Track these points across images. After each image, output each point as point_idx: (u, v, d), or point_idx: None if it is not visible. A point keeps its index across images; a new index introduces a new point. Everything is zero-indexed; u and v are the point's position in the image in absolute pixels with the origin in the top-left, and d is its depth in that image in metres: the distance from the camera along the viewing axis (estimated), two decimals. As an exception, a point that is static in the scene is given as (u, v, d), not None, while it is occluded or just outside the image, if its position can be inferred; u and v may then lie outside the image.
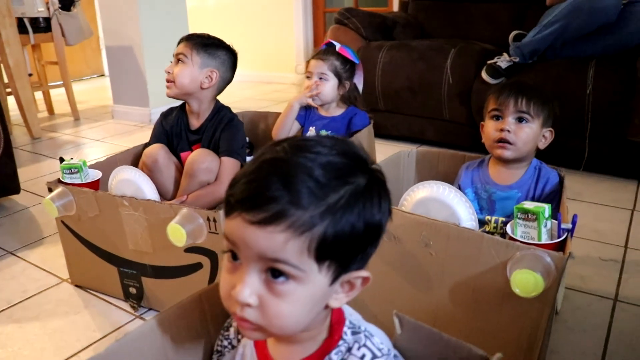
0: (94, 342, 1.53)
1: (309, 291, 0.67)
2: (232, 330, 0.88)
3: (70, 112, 4.27)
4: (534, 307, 1.16)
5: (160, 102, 3.95)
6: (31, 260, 2.01)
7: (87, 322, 1.63)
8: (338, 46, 2.14)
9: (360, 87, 2.26)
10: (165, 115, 2.05)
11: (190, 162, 1.81)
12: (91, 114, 4.43)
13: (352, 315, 0.80)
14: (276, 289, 0.66)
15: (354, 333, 0.77)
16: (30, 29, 3.79)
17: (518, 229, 1.27)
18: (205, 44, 1.89)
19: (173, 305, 0.89)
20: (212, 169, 1.82)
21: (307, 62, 2.16)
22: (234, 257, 0.69)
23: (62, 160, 1.77)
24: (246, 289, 0.66)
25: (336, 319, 0.78)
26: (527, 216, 1.25)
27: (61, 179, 1.73)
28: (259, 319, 0.68)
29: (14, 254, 2.06)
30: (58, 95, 4.57)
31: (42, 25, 3.88)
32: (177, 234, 1.36)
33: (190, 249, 1.45)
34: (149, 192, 1.61)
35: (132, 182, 1.61)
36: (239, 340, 0.86)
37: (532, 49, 2.67)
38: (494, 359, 0.75)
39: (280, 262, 0.65)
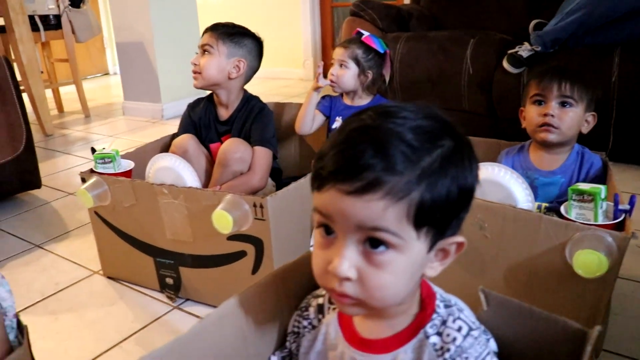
0: (135, 333, 1.50)
1: (409, 260, 0.66)
2: (311, 310, 0.86)
3: (80, 110, 4.24)
4: (593, 288, 1.14)
5: (172, 97, 3.93)
6: (60, 253, 1.98)
7: (124, 314, 1.60)
8: (364, 35, 2.12)
9: (387, 76, 2.23)
10: (192, 107, 2.02)
11: (223, 152, 1.79)
12: (101, 111, 4.40)
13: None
14: (376, 260, 0.65)
15: (446, 306, 0.76)
16: (41, 27, 3.76)
17: (572, 211, 1.25)
18: (231, 33, 1.87)
19: (251, 286, 0.86)
20: (245, 158, 1.80)
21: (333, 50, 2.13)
22: (328, 231, 0.67)
23: (93, 150, 1.75)
24: (345, 263, 0.65)
25: (426, 293, 0.76)
26: (583, 197, 1.23)
27: (94, 169, 1.70)
28: (359, 292, 0.66)
29: (41, 247, 2.03)
30: (66, 93, 4.54)
31: (52, 23, 3.86)
32: (223, 220, 1.33)
33: (233, 237, 1.43)
34: (190, 179, 1.58)
35: (171, 169, 1.58)
36: (319, 320, 0.84)
37: (554, 38, 2.65)
38: (593, 332, 0.73)
39: (380, 231, 0.63)
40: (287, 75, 5.27)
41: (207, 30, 1.89)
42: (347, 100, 2.16)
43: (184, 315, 1.57)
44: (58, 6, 3.83)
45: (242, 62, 1.88)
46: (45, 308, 1.65)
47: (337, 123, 2.13)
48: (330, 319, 0.82)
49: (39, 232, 2.16)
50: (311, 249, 1.52)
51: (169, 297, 1.64)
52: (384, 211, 0.62)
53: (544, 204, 1.53)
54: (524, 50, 2.73)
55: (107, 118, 4.14)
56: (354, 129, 0.65)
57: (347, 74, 2.02)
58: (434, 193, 0.63)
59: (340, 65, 2.02)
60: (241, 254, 1.45)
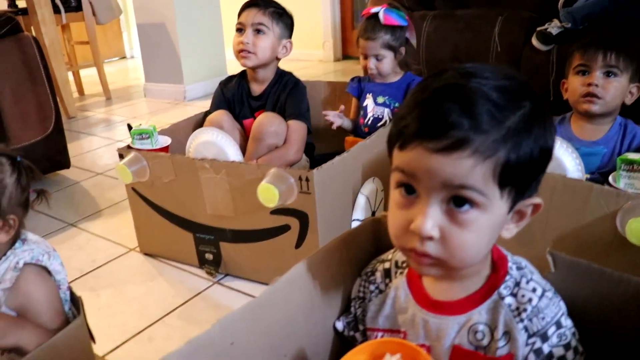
0: (177, 308, 1.51)
1: (491, 219, 0.66)
2: (378, 274, 0.86)
3: (100, 92, 4.24)
4: (643, 257, 1.14)
5: (195, 79, 3.92)
6: (94, 231, 1.99)
7: (164, 289, 1.61)
8: (382, 18, 2.06)
9: (414, 44, 2.20)
10: (224, 84, 2.02)
11: (257, 126, 1.79)
12: (122, 93, 4.40)
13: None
14: (459, 219, 0.65)
15: (518, 268, 0.76)
16: (62, 9, 3.75)
17: (621, 180, 1.24)
18: (281, 14, 1.88)
19: (319, 250, 0.86)
20: (279, 132, 1.80)
21: (357, 40, 2.09)
22: (409, 190, 0.67)
23: (130, 127, 1.75)
24: (429, 221, 0.65)
25: (497, 255, 0.76)
26: (632, 167, 1.23)
27: (131, 145, 1.70)
28: (440, 251, 0.66)
29: (75, 226, 2.04)
30: (85, 76, 4.54)
31: (72, 5, 3.84)
32: (269, 194, 1.33)
33: (277, 211, 1.43)
34: (233, 153, 1.58)
35: (214, 143, 1.58)
36: (386, 285, 0.84)
37: (585, 14, 2.61)
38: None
39: (467, 189, 0.63)
40: (307, 57, 5.24)
41: (252, 6, 1.86)
42: (377, 79, 2.14)
43: (225, 290, 1.58)
44: (79, -12, 3.82)
45: (290, 43, 1.91)
46: (85, 284, 1.65)
47: (368, 100, 2.11)
48: (399, 282, 0.82)
49: (71, 211, 2.17)
50: (353, 223, 1.52)
51: (208, 273, 1.64)
52: (471, 169, 0.62)
53: (586, 175, 1.52)
54: (554, 27, 2.70)
55: (128, 100, 4.14)
56: (438, 88, 0.65)
57: (385, 63, 1.99)
58: (519, 152, 0.63)
59: (377, 58, 1.98)
60: (285, 228, 1.44)
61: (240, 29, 1.87)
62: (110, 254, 1.82)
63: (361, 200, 1.57)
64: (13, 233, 1.01)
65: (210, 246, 1.60)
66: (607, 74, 1.47)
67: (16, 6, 3.67)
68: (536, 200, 0.70)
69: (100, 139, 3.20)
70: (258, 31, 1.84)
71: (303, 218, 1.40)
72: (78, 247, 1.88)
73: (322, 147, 2.14)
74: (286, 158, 1.77)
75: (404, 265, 0.84)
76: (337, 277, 0.89)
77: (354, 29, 5.15)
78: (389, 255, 0.87)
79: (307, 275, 0.84)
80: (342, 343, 0.91)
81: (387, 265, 0.86)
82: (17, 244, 1.03)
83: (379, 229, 0.95)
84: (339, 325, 0.90)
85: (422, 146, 0.63)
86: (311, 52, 5.22)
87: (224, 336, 0.70)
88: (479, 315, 0.74)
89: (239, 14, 1.90)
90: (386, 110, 2.06)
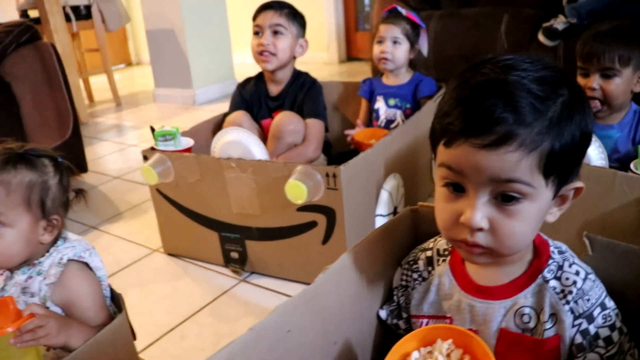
0: (206, 306, 1.53)
1: (537, 207, 0.69)
2: (420, 263, 0.88)
3: (110, 99, 4.27)
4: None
5: (204, 83, 3.95)
6: (116, 233, 2.01)
7: (191, 288, 1.63)
8: (404, 11, 2.12)
9: (424, 51, 2.24)
10: (242, 86, 2.04)
11: (276, 125, 1.82)
12: (131, 99, 4.42)
13: None
14: (507, 210, 0.68)
15: (560, 252, 0.78)
16: (72, 17, 3.79)
17: (643, 167, 1.26)
18: (296, 14, 1.92)
19: (363, 240, 0.88)
20: (298, 130, 1.83)
21: (376, 28, 2.12)
22: (456, 187, 0.70)
23: (152, 129, 1.77)
24: (478, 214, 0.67)
25: (539, 240, 0.79)
26: (653, 154, 1.25)
27: (154, 147, 1.72)
28: (490, 241, 0.69)
29: (96, 228, 2.07)
30: (94, 83, 4.57)
31: (83, 13, 3.88)
32: (297, 190, 1.35)
33: (303, 208, 1.45)
34: (258, 152, 1.60)
35: (239, 143, 1.60)
36: (429, 272, 0.86)
37: (590, 9, 2.64)
38: None
39: (514, 182, 0.66)
40: (311, 59, 5.25)
41: (267, 8, 1.89)
42: (387, 80, 2.17)
43: (252, 287, 1.60)
44: (88, -4, 3.86)
45: (306, 42, 1.95)
46: (112, 285, 1.67)
47: (379, 103, 2.14)
48: (442, 270, 0.84)
49: (92, 214, 2.19)
50: (377, 218, 1.54)
51: (234, 271, 1.66)
52: (517, 163, 0.64)
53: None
54: (559, 23, 2.72)
55: (138, 106, 4.17)
56: (479, 84, 0.67)
57: (401, 50, 2.02)
58: (562, 141, 0.66)
59: (394, 42, 2.02)
60: (312, 225, 1.47)
61: (257, 32, 1.90)
62: (134, 255, 1.84)
63: (384, 195, 1.60)
64: (56, 233, 1.03)
65: (236, 245, 1.62)
66: (606, 76, 1.48)
67: (28, 16, 3.71)
68: (578, 184, 0.73)
69: (113, 143, 3.23)
70: (276, 32, 1.87)
71: (330, 214, 1.43)
72: (101, 249, 1.89)
73: (335, 147, 2.17)
74: (305, 155, 1.80)
75: (446, 253, 0.86)
76: (380, 267, 0.91)
77: (358, 31, 5.18)
78: (429, 244, 0.90)
79: (354, 264, 0.86)
80: (385, 331, 0.94)
81: (429, 253, 0.88)
82: (59, 242, 1.05)
83: (417, 219, 0.98)
84: (382, 314, 0.92)
85: (468, 143, 0.66)
86: (316, 54, 5.24)
87: (281, 324, 0.73)
88: (525, 299, 0.76)
89: (255, 18, 1.93)
90: (398, 112, 2.09)
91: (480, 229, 0.68)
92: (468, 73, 0.70)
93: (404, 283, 0.90)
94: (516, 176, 0.65)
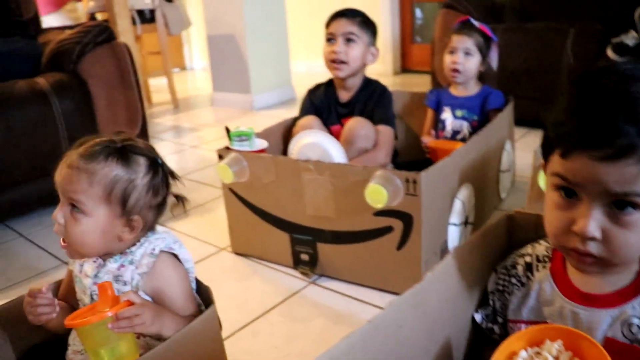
0: (276, 306, 1.55)
1: None
2: (519, 268, 0.88)
3: (168, 101, 4.36)
4: None
5: (262, 89, 4.00)
6: (182, 231, 2.05)
7: (260, 287, 1.65)
8: (477, 23, 2.12)
9: (494, 65, 2.24)
10: (312, 91, 2.07)
11: (349, 130, 1.83)
12: (188, 102, 4.51)
13: None
14: (622, 220, 0.67)
15: None
16: (138, 20, 3.88)
17: None
18: (368, 22, 1.94)
19: (465, 243, 0.89)
20: (370, 135, 1.84)
21: (450, 38, 2.13)
22: (569, 193, 0.70)
23: (227, 129, 1.80)
24: (592, 223, 0.67)
25: None
26: None
27: (229, 147, 1.75)
28: (602, 251, 0.69)
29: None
30: (152, 85, 4.66)
31: (147, 17, 3.98)
32: (378, 195, 1.36)
33: (380, 212, 1.46)
34: (337, 155, 1.62)
35: (318, 145, 1.62)
36: (528, 278, 0.86)
37: (664, 26, 2.60)
38: None
39: (631, 195, 0.65)
40: (368, 71, 5.27)
41: (340, 16, 1.92)
42: (455, 91, 2.16)
43: (321, 290, 1.61)
44: (153, 0, 3.94)
45: (377, 50, 1.96)
46: (184, 280, 1.70)
47: (446, 113, 2.14)
48: (542, 276, 0.84)
49: (158, 211, 2.23)
50: (450, 227, 1.54)
51: (303, 273, 1.68)
52: (637, 176, 0.64)
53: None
54: (630, 39, 2.69)
55: (195, 109, 4.24)
56: (598, 94, 0.67)
57: (473, 62, 2.03)
58: None
59: (466, 54, 2.02)
60: (387, 230, 1.47)
61: (330, 39, 1.92)
62: (201, 253, 1.87)
63: (457, 204, 1.59)
64: (134, 235, 1.02)
65: (307, 247, 1.64)
66: None
67: (95, 19, 3.81)
68: None
69: (173, 144, 3.29)
70: (349, 40, 1.89)
71: (407, 220, 1.43)
72: (170, 245, 1.94)
73: (400, 156, 2.18)
74: (376, 161, 1.81)
75: (545, 259, 0.86)
76: (476, 270, 0.92)
77: (413, 43, 5.19)
78: (527, 249, 0.90)
79: (457, 266, 0.86)
80: (476, 335, 0.94)
81: (527, 259, 0.88)
82: (148, 233, 1.07)
83: (512, 225, 0.98)
84: (478, 317, 0.92)
85: (586, 154, 0.66)
86: (371, 66, 5.26)
87: (394, 318, 0.74)
88: (633, 309, 0.75)
89: (328, 25, 1.95)
90: (465, 124, 2.09)
91: (593, 239, 0.68)
92: (585, 82, 0.70)
93: (500, 288, 0.90)
94: (633, 189, 0.65)
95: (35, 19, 2.79)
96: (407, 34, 5.18)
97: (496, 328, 0.91)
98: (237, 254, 1.85)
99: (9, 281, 1.79)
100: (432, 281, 0.82)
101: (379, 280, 1.55)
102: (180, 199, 1.12)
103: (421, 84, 4.35)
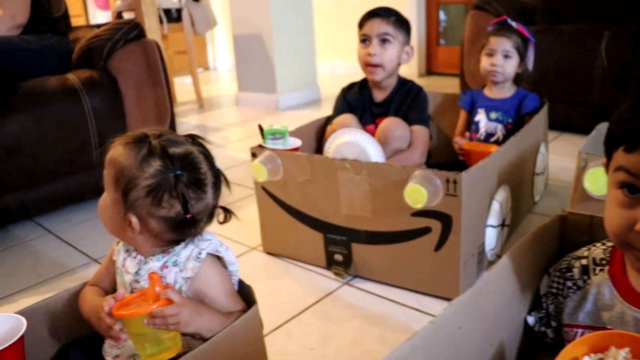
0: (310, 306, 1.53)
1: None
2: (575, 271, 0.85)
3: (192, 100, 4.36)
4: None
5: (288, 89, 3.99)
6: (212, 230, 2.03)
7: (293, 288, 1.63)
8: (515, 24, 2.09)
9: (530, 66, 2.20)
10: (347, 90, 2.05)
11: (383, 130, 1.81)
12: (213, 102, 4.50)
13: None
14: None
15: None
16: (164, 19, 3.89)
17: None
18: (402, 21, 1.91)
19: (520, 244, 0.87)
20: (404, 136, 1.82)
21: (487, 39, 2.09)
22: (632, 190, 0.69)
23: (261, 127, 1.78)
24: None
25: None
26: None
27: (262, 145, 1.73)
28: None
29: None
30: (177, 85, 4.67)
31: (174, 16, 3.98)
32: (418, 194, 1.34)
33: (418, 213, 1.43)
34: (375, 154, 1.60)
35: (355, 144, 1.60)
36: (585, 281, 0.84)
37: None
38: None
39: None
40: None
41: (374, 16, 1.89)
42: (489, 93, 2.13)
43: (356, 291, 1.59)
44: (180, 0, 3.95)
45: (411, 49, 1.93)
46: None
47: (480, 115, 2.11)
48: (601, 279, 0.82)
49: (187, 210, 2.22)
50: (487, 228, 1.51)
51: (336, 274, 1.65)
52: None
53: None
54: (667, 42, 2.64)
55: (220, 108, 4.24)
56: None
57: (512, 65, 1.99)
58: None
59: (505, 56, 1.98)
60: (425, 230, 1.45)
61: (365, 40, 1.90)
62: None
63: (495, 206, 1.57)
64: (138, 236, 0.99)
65: (341, 247, 1.61)
66: None
67: (122, 18, 3.82)
68: None
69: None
70: (384, 41, 1.86)
71: (446, 220, 1.40)
72: (201, 244, 1.92)
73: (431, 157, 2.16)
74: (412, 160, 1.79)
75: (603, 262, 0.83)
76: (529, 272, 0.89)
77: (439, 45, 5.15)
78: (584, 252, 0.87)
79: (511, 267, 0.84)
80: (529, 338, 0.91)
81: (584, 262, 0.85)
82: None
83: (564, 226, 0.95)
84: (530, 320, 0.90)
85: None
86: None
87: (454, 320, 0.71)
88: None
89: (361, 25, 1.93)
90: (499, 126, 2.05)
91: None
92: None
93: (554, 291, 0.88)
94: None
95: (65, 16, 2.81)
96: (433, 36, 5.14)
97: (549, 332, 0.89)
98: (269, 253, 1.83)
99: (39, 277, 1.79)
100: (489, 282, 0.79)
101: (415, 282, 1.53)
102: (226, 211, 1.12)
103: (446, 86, 4.32)
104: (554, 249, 0.95)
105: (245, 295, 1.10)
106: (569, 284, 0.85)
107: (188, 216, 0.97)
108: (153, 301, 0.92)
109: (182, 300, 0.94)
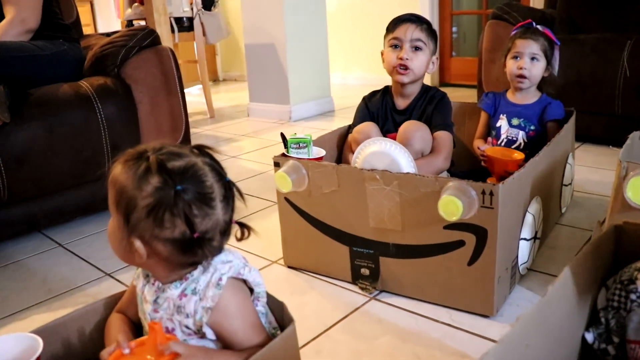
0: (338, 322, 1.47)
1: None
2: (639, 283, 0.80)
3: (203, 111, 4.32)
4: None
5: (301, 99, 3.94)
6: (230, 243, 1.97)
7: (319, 303, 1.57)
8: (541, 27, 2.04)
9: (555, 71, 2.15)
10: (368, 98, 2.01)
11: (404, 131, 1.77)
12: (224, 112, 4.46)
13: None
14: None
15: None
16: (176, 28, 3.85)
17: None
18: (432, 29, 1.89)
19: (579, 256, 0.82)
20: (426, 137, 1.78)
21: (513, 42, 2.04)
22: None
23: (283, 136, 1.73)
24: None
25: None
26: None
27: (286, 154, 1.68)
28: None
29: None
30: (187, 95, 4.64)
31: (185, 25, 3.95)
32: (453, 207, 1.28)
33: (451, 226, 1.37)
34: (406, 164, 1.54)
35: (386, 154, 1.54)
36: (652, 294, 0.78)
37: None
38: None
39: None
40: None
41: (407, 21, 1.86)
42: (512, 98, 2.09)
43: (384, 306, 1.53)
44: (192, 9, 3.91)
45: (437, 59, 1.92)
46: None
47: (502, 121, 2.06)
48: None
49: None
50: (521, 242, 1.45)
51: (362, 288, 1.59)
52: None
53: None
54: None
55: (232, 119, 4.19)
56: None
57: (539, 68, 1.95)
58: None
59: (532, 59, 1.94)
60: (459, 244, 1.39)
61: (396, 45, 1.85)
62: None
63: (529, 218, 1.51)
64: (147, 261, 0.92)
65: (369, 261, 1.55)
66: None
67: (132, 26, 3.78)
68: None
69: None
70: (416, 47, 1.83)
71: (481, 233, 1.34)
72: (219, 257, 1.87)
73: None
74: (435, 164, 1.74)
75: None
76: (587, 286, 0.84)
77: (452, 57, 5.11)
78: (647, 264, 0.82)
79: (571, 281, 0.78)
80: (587, 356, 0.85)
81: None
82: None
83: (620, 237, 0.90)
84: (589, 337, 0.84)
85: None
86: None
87: (522, 337, 0.66)
88: None
89: (392, 29, 1.88)
90: (521, 133, 2.00)
91: None
92: None
93: (615, 304, 0.82)
94: None
95: (77, 23, 2.77)
96: (447, 47, 5.11)
97: (610, 349, 0.83)
98: (290, 267, 1.77)
99: (50, 292, 1.73)
100: (552, 297, 0.74)
101: (446, 297, 1.47)
102: (243, 227, 1.03)
103: (460, 97, 4.25)
104: (609, 261, 0.89)
105: (278, 312, 1.04)
106: (633, 297, 0.80)
107: (195, 235, 0.88)
108: (156, 357, 0.84)
109: (189, 352, 0.86)
